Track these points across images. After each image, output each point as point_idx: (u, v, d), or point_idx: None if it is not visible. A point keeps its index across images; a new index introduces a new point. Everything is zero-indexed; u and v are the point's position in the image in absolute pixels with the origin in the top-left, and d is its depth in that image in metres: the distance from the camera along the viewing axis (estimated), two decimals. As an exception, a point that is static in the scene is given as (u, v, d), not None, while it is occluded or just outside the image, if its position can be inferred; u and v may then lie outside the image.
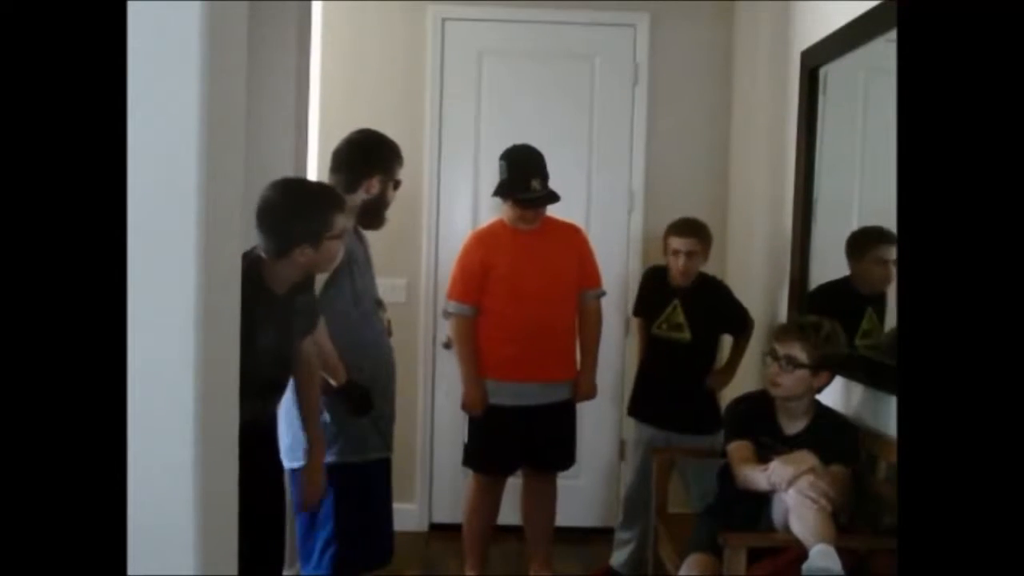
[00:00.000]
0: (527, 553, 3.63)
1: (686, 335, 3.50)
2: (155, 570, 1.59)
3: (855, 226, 3.00)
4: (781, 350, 2.68)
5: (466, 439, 3.48)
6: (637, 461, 3.65)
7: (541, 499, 3.52)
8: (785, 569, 2.42)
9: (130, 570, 1.38)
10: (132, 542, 1.40)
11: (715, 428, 3.30)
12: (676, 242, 3.48)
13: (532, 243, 3.38)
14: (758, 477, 2.58)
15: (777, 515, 2.55)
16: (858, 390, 2.81)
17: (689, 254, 3.46)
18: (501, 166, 3.37)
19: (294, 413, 2.64)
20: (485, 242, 3.41)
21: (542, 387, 3.37)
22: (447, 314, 3.44)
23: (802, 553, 2.35)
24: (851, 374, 2.83)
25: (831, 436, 2.66)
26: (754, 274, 3.73)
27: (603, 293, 3.57)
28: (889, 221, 2.04)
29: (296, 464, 2.66)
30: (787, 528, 2.46)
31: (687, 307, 3.50)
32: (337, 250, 2.44)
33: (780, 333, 2.77)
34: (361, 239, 2.76)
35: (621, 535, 3.71)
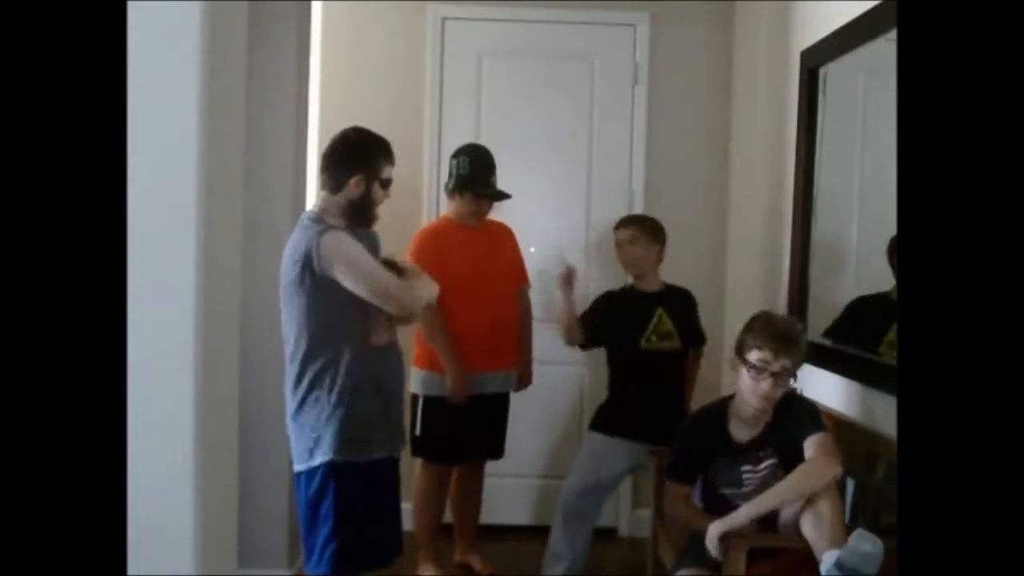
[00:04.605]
0: (455, 541, 3.72)
1: (676, 343, 3.44)
2: (155, 570, 1.60)
3: (855, 226, 2.99)
4: (776, 363, 2.50)
5: (418, 430, 3.47)
6: (592, 472, 3.38)
7: (474, 487, 3.69)
8: (785, 569, 2.41)
9: (130, 570, 1.39)
10: (132, 542, 1.40)
11: None
12: (618, 234, 3.54)
13: (480, 240, 3.51)
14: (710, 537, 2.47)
15: (785, 516, 2.48)
16: (858, 390, 2.81)
17: (631, 239, 3.48)
18: (461, 162, 3.48)
19: (301, 416, 2.63)
20: (439, 238, 3.48)
21: (491, 377, 3.51)
22: None
23: (803, 553, 2.34)
24: (854, 375, 2.83)
25: (792, 420, 2.55)
26: (753, 273, 3.73)
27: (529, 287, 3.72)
28: (889, 221, 2.03)
29: (303, 466, 2.65)
30: (796, 531, 2.40)
31: (672, 314, 3.45)
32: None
33: (775, 344, 2.51)
34: (371, 245, 2.76)
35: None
